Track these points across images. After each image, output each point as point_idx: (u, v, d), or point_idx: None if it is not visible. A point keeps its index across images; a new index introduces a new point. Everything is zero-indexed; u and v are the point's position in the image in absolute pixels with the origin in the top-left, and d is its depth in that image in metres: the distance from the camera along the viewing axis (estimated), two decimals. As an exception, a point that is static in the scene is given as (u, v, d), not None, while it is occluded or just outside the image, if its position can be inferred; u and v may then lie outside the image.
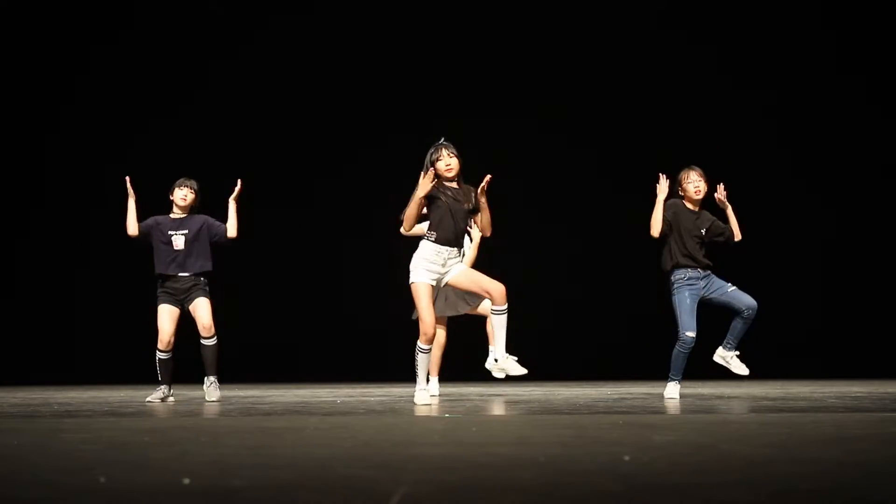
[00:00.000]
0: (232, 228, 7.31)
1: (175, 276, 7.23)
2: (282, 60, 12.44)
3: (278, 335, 12.12)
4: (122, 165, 11.86)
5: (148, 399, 7.25)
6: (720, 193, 7.17)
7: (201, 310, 7.23)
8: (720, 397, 7.21)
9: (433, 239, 6.27)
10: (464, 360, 12.20)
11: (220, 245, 7.35)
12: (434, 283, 6.34)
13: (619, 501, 2.35)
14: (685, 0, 12.41)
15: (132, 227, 7.27)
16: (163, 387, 7.33)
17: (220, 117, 12.33)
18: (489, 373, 7.47)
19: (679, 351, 7.01)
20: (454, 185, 6.37)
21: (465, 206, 6.31)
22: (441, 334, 7.75)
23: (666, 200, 7.07)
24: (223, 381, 7.41)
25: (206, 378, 7.31)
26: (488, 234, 6.55)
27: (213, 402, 7.09)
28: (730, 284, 7.07)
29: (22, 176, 12.32)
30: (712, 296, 7.04)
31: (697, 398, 7.09)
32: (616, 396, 7.44)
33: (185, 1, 12.36)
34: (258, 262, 12.01)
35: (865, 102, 12.43)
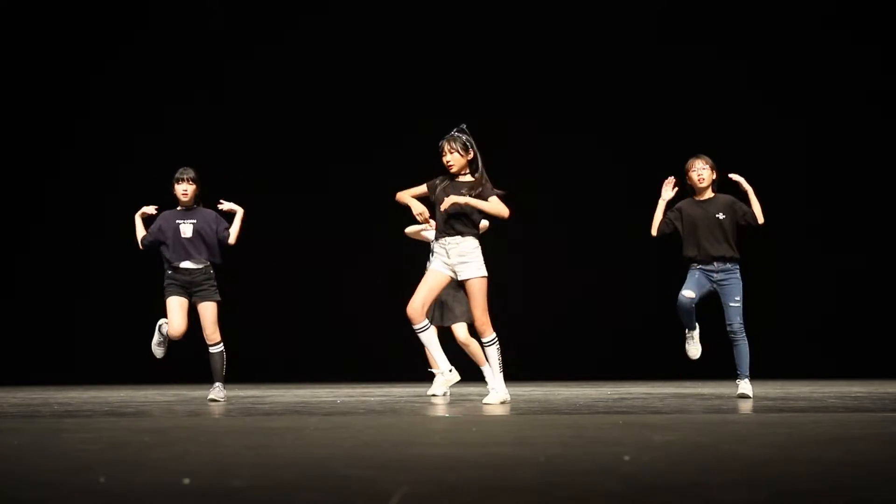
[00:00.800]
0: (233, 236, 7.27)
1: (185, 269, 7.16)
2: (292, 62, 12.42)
3: (277, 334, 12.11)
4: (131, 165, 11.95)
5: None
6: (735, 176, 7.09)
7: (207, 315, 7.17)
8: (720, 397, 7.21)
9: (433, 237, 6.43)
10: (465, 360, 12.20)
11: (219, 243, 7.31)
12: (448, 273, 6.35)
13: (619, 501, 2.35)
14: (705, 12, 12.41)
15: (142, 242, 7.26)
16: (160, 332, 7.33)
17: (221, 121, 12.32)
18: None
19: (678, 306, 7.10)
20: (465, 177, 6.36)
21: (463, 195, 6.27)
22: (462, 331, 7.71)
23: (672, 202, 7.09)
24: (229, 380, 7.38)
25: (213, 386, 7.22)
26: (504, 217, 6.47)
27: (213, 399, 7.06)
28: (738, 298, 7.03)
29: (23, 177, 12.32)
30: (719, 295, 7.05)
31: (697, 398, 7.09)
32: (616, 396, 7.44)
33: (196, 4, 12.36)
34: (258, 262, 12.01)
35: (866, 102, 12.44)
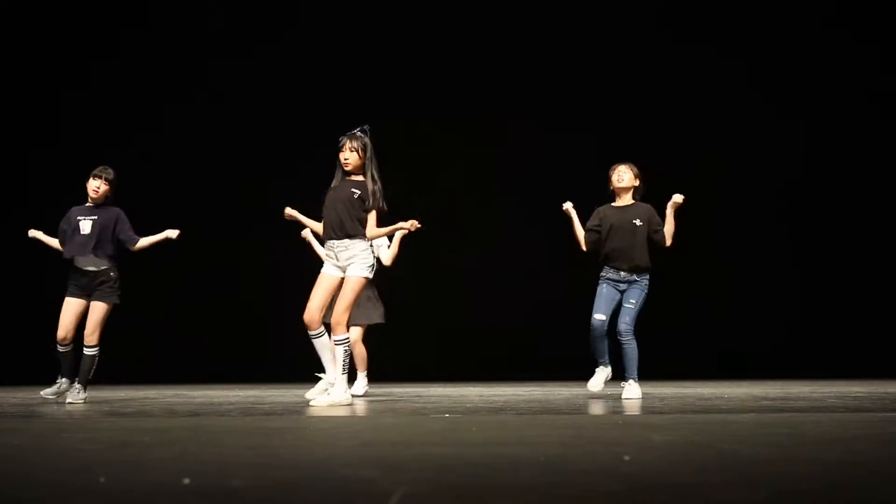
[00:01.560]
0: (142, 244, 7.21)
1: (83, 271, 7.11)
2: (286, 64, 12.43)
3: (277, 335, 12.10)
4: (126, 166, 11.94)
5: (43, 392, 7.16)
6: (675, 200, 7.05)
7: (94, 315, 7.09)
8: (720, 397, 7.20)
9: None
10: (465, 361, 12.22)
11: (120, 246, 7.24)
12: (339, 273, 6.39)
13: (619, 501, 2.34)
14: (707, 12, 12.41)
15: (61, 245, 7.20)
16: (63, 380, 7.22)
17: (220, 121, 12.32)
18: (486, 374, 7.48)
19: (591, 334, 7.06)
20: (356, 177, 6.39)
21: (350, 196, 6.31)
22: (354, 332, 7.79)
23: (591, 210, 7.13)
24: (239, 380, 7.39)
25: (74, 383, 7.15)
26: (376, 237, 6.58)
27: (72, 402, 6.95)
28: (634, 301, 7.02)
29: (9, 175, 12.28)
30: (622, 300, 7.07)
31: (697, 398, 7.09)
32: (616, 396, 7.43)
33: (185, 12, 12.36)
34: (257, 261, 12.02)
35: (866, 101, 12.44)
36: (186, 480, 2.66)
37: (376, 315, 8.04)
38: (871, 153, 12.51)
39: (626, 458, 3.10)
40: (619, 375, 7.28)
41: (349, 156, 6.37)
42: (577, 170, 12.27)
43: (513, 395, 7.98)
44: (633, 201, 7.15)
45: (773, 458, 3.16)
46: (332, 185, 6.46)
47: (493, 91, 12.44)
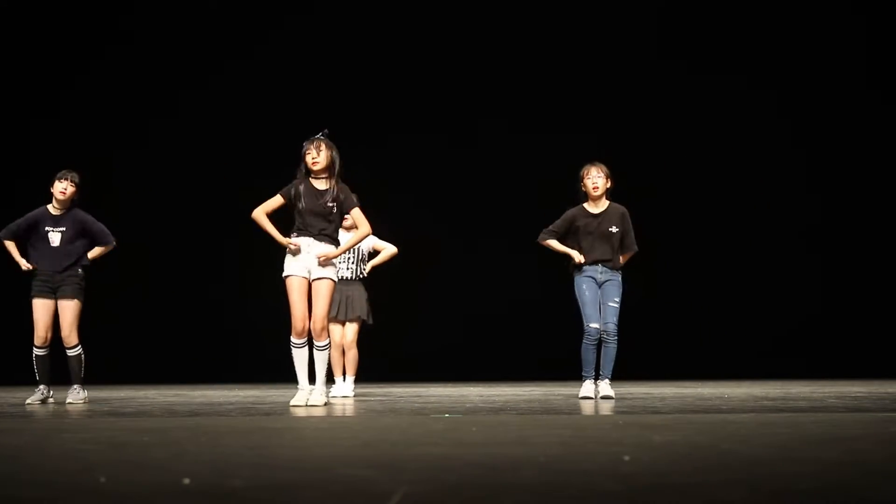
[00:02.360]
0: (90, 255, 7.20)
1: (50, 272, 7.10)
2: (279, 65, 12.42)
3: (276, 334, 12.09)
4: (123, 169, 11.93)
5: (28, 401, 7.09)
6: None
7: (66, 314, 7.06)
8: (720, 397, 7.20)
9: (294, 235, 6.39)
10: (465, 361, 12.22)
11: (87, 248, 7.22)
12: (305, 275, 6.36)
13: (619, 501, 2.34)
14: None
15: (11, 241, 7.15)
16: (42, 387, 7.16)
17: (217, 120, 12.32)
18: (486, 374, 7.48)
19: (585, 344, 7.03)
20: (321, 180, 6.38)
21: (325, 203, 6.32)
22: (336, 333, 7.78)
23: (563, 209, 7.13)
24: (242, 380, 7.39)
25: (71, 388, 7.15)
26: (368, 234, 6.60)
27: (72, 403, 6.96)
28: (618, 300, 7.02)
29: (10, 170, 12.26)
30: (602, 297, 7.05)
31: (697, 398, 7.09)
32: (616, 396, 7.42)
33: (182, 12, 12.35)
34: (258, 262, 12.00)
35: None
36: (186, 480, 2.66)
37: (365, 312, 7.99)
38: (877, 154, 12.50)
39: (626, 458, 3.09)
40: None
41: (319, 157, 6.35)
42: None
43: (513, 395, 7.98)
44: (607, 203, 7.13)
45: (773, 458, 3.15)
46: (301, 184, 6.38)
47: (496, 94, 12.43)
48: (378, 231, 7.89)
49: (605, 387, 7.03)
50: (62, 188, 7.08)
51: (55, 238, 7.05)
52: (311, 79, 12.45)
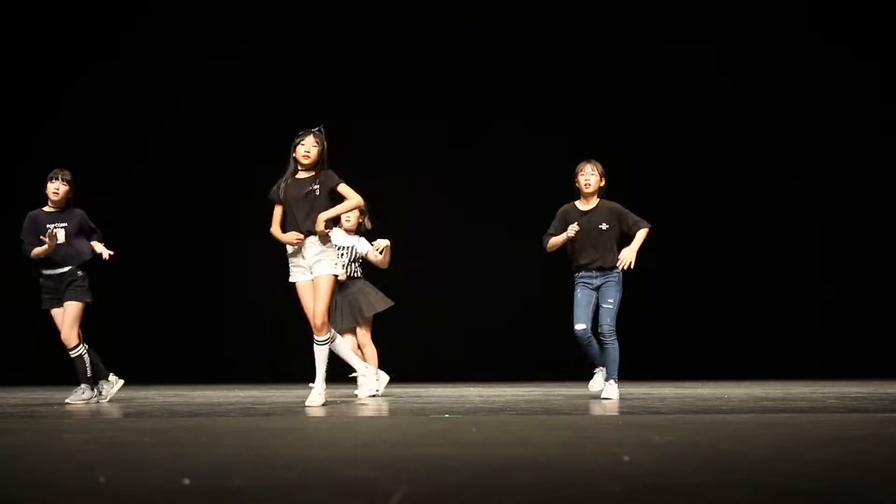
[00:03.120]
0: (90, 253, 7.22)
1: (51, 276, 7.13)
2: (274, 65, 12.41)
3: (278, 335, 12.11)
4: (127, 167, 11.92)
5: (67, 400, 7.13)
6: (623, 264, 7.03)
7: (67, 314, 7.09)
8: (720, 397, 7.21)
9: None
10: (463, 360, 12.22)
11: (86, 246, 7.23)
12: (308, 277, 6.42)
13: (619, 502, 2.35)
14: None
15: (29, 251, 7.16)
16: (83, 385, 7.20)
17: (217, 121, 12.32)
18: (486, 375, 7.48)
19: (576, 340, 7.08)
20: (306, 173, 6.41)
21: (308, 189, 6.34)
22: (352, 341, 7.82)
23: (558, 206, 7.14)
24: (241, 381, 7.39)
25: (98, 382, 7.22)
26: (360, 204, 6.66)
27: (71, 403, 7.00)
28: (612, 301, 7.03)
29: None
30: (598, 300, 7.07)
31: (697, 398, 7.09)
32: (616, 398, 7.42)
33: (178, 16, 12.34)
34: (260, 263, 12.00)
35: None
36: (187, 481, 2.66)
37: (379, 302, 7.94)
38: (877, 151, 12.50)
39: (626, 458, 3.10)
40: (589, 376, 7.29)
41: (312, 151, 6.39)
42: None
43: (513, 395, 7.98)
44: (598, 201, 7.12)
45: (773, 459, 3.16)
46: (286, 181, 6.43)
47: (505, 93, 12.43)
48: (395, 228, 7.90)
49: (608, 388, 7.04)
50: (55, 188, 7.13)
51: (60, 234, 7.08)
52: (310, 79, 12.43)
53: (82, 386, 7.15)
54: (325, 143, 6.45)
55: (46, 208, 7.18)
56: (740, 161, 12.48)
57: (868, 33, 12.31)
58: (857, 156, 12.49)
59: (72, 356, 7.13)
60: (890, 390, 8.08)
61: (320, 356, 6.44)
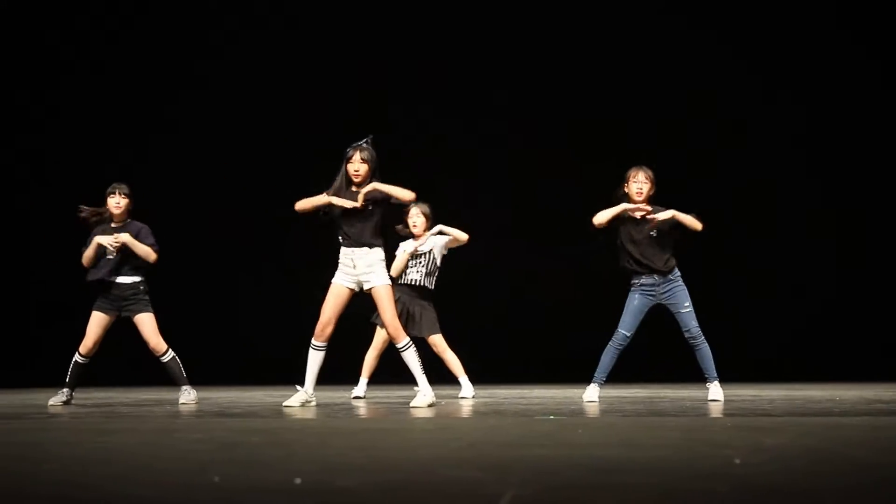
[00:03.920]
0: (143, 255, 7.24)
1: (113, 283, 7.23)
2: (272, 62, 12.40)
3: (279, 337, 11.88)
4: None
5: (51, 402, 7.19)
6: (653, 224, 6.92)
7: (146, 328, 7.23)
8: (831, 400, 7.05)
9: (341, 243, 6.44)
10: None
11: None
12: (351, 287, 6.42)
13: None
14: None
15: (86, 260, 7.27)
16: (66, 389, 7.26)
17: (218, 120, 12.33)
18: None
19: (610, 346, 7.01)
20: (359, 187, 6.39)
21: (364, 207, 6.33)
22: (379, 337, 7.82)
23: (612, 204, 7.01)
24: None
25: (181, 390, 7.32)
26: (410, 198, 6.50)
27: (184, 403, 7.11)
28: (688, 304, 6.93)
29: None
30: (668, 306, 6.98)
31: (807, 400, 6.94)
32: (722, 399, 7.30)
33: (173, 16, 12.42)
34: (261, 263, 12.05)
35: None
36: (298, 480, 2.70)
37: (426, 328, 7.82)
38: (881, 152, 12.15)
39: (737, 461, 3.05)
40: (697, 377, 7.18)
41: (360, 168, 6.37)
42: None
43: (617, 396, 7.91)
44: (649, 209, 7.02)
45: (887, 462, 3.08)
46: (341, 190, 6.41)
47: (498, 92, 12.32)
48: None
49: (713, 389, 6.94)
50: (116, 202, 7.32)
51: (123, 236, 7.22)
52: (310, 79, 12.34)
53: (184, 387, 7.30)
54: (374, 155, 6.43)
55: (113, 224, 7.33)
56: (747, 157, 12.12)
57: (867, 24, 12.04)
58: (870, 151, 12.16)
59: (164, 362, 7.30)
60: (890, 391, 7.83)
61: (410, 361, 6.44)
